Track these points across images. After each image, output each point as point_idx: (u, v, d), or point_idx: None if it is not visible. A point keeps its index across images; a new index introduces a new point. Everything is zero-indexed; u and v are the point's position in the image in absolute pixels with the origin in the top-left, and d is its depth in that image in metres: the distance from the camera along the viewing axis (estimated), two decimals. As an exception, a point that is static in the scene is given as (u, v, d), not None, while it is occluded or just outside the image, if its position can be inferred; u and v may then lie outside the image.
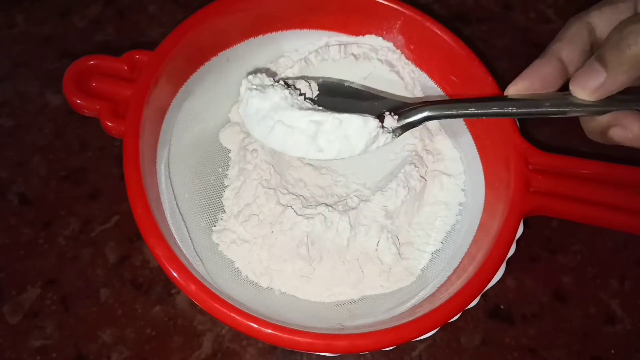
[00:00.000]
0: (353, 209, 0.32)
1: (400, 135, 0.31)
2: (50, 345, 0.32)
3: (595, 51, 0.28)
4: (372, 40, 0.38)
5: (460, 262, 0.31)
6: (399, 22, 0.36)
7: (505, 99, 0.29)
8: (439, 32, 0.35)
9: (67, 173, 0.37)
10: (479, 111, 0.29)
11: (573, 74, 0.28)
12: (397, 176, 0.33)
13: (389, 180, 0.33)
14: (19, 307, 0.33)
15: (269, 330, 0.26)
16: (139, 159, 0.28)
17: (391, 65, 0.37)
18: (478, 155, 0.34)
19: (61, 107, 0.39)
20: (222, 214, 0.33)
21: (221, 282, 0.30)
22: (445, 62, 0.36)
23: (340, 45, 0.37)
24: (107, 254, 0.35)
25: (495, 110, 0.29)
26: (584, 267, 0.37)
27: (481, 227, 0.32)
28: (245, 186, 0.33)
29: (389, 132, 0.31)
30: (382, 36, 0.38)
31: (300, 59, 0.37)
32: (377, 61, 0.37)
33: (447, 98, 0.36)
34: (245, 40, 0.36)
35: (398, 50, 0.38)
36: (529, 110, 0.28)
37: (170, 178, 0.33)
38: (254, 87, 0.30)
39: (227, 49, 0.36)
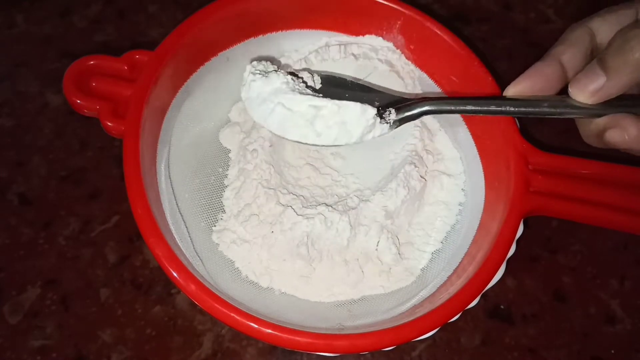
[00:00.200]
0: (353, 209, 0.32)
1: (397, 127, 0.31)
2: (50, 345, 0.32)
3: (595, 57, 0.28)
4: (372, 40, 0.38)
5: (460, 262, 0.31)
6: (399, 22, 0.36)
7: (503, 98, 0.29)
8: (439, 32, 0.35)
9: (67, 173, 0.37)
10: (476, 108, 0.29)
11: (572, 77, 0.28)
12: (397, 176, 0.33)
13: (389, 180, 0.33)
14: (19, 307, 0.33)
15: (269, 330, 0.26)
16: (139, 159, 0.28)
17: (391, 65, 0.37)
18: (478, 155, 0.34)
19: (61, 107, 0.39)
20: (222, 214, 0.33)
21: (221, 282, 0.30)
22: (445, 62, 0.36)
23: (340, 45, 0.37)
24: (107, 254, 0.35)
25: (492, 108, 0.29)
26: (584, 267, 0.37)
27: (481, 227, 0.32)
28: (245, 186, 0.33)
29: (386, 123, 0.31)
30: (382, 36, 0.38)
31: (300, 59, 0.37)
32: (377, 61, 0.37)
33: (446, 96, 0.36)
34: (245, 40, 0.36)
35: (398, 50, 0.38)
36: (526, 109, 0.29)
37: (170, 178, 0.33)
38: (257, 71, 0.31)
39: (227, 49, 0.36)
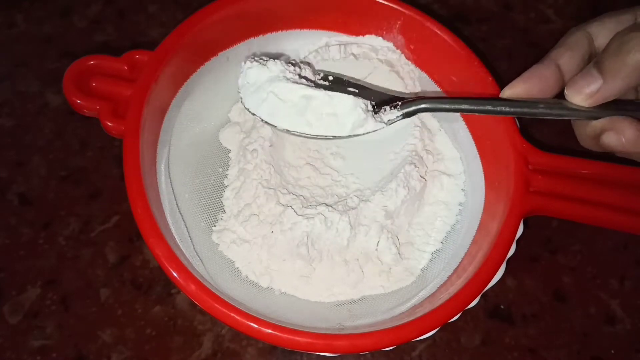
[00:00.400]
0: (353, 209, 0.32)
1: (391, 124, 0.31)
2: (50, 345, 0.32)
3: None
4: (372, 40, 0.38)
5: (460, 262, 0.31)
6: (399, 22, 0.36)
7: (499, 99, 0.29)
8: (439, 32, 0.35)
9: (67, 173, 0.37)
10: (471, 107, 0.29)
11: (569, 80, 0.28)
12: (397, 176, 0.33)
13: (389, 180, 0.33)
14: (19, 307, 0.33)
15: (269, 330, 0.26)
16: (139, 159, 0.28)
17: (391, 65, 0.37)
18: (478, 155, 0.34)
19: (61, 107, 0.39)
20: (222, 214, 0.33)
21: (221, 282, 0.30)
22: (445, 62, 0.36)
23: (340, 45, 0.37)
24: (107, 254, 0.35)
25: (488, 107, 0.29)
26: (584, 267, 0.37)
27: (481, 227, 0.32)
28: (245, 186, 0.33)
29: (381, 119, 0.31)
30: (382, 36, 0.38)
31: (300, 59, 0.37)
32: (377, 61, 0.37)
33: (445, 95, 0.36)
34: (245, 40, 0.36)
35: (398, 50, 0.38)
36: (522, 110, 0.29)
37: (170, 178, 0.33)
38: (255, 59, 0.31)
39: (227, 49, 0.36)
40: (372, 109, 0.30)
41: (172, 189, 0.32)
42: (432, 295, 0.30)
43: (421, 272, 0.33)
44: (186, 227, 0.32)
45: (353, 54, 0.37)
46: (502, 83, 0.31)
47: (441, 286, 0.30)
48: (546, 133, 0.40)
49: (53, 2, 0.44)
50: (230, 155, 0.35)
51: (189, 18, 0.33)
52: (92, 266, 0.34)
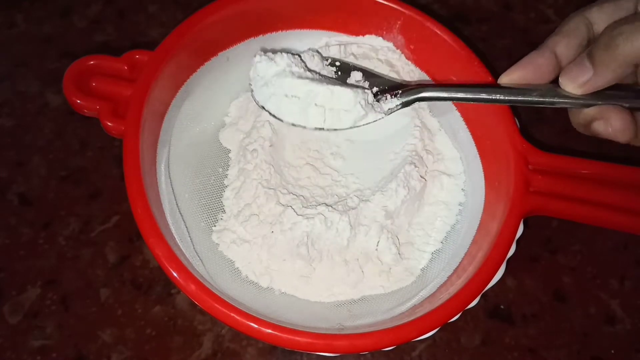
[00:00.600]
0: (353, 209, 0.32)
1: (390, 113, 0.32)
2: (50, 345, 0.32)
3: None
4: (372, 40, 0.38)
5: (460, 262, 0.31)
6: (399, 22, 0.36)
7: (495, 86, 0.30)
8: (439, 32, 0.35)
9: (67, 173, 0.37)
10: (468, 96, 0.31)
11: (564, 68, 0.29)
12: (397, 176, 0.33)
13: (389, 180, 0.33)
14: (19, 307, 0.33)
15: (269, 330, 0.26)
16: (139, 159, 0.28)
17: (391, 65, 0.37)
18: (478, 155, 0.34)
19: (61, 107, 0.39)
20: (222, 214, 0.33)
21: (221, 282, 0.30)
22: (445, 62, 0.36)
23: (340, 45, 0.37)
24: (107, 254, 0.35)
25: (483, 96, 0.30)
26: (584, 267, 0.37)
27: (481, 227, 0.32)
28: (245, 186, 0.33)
29: (380, 111, 0.32)
30: (382, 36, 0.38)
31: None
32: (377, 61, 0.37)
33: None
34: (245, 40, 0.36)
35: (398, 50, 0.38)
36: (516, 98, 0.30)
37: (170, 178, 0.33)
38: (264, 54, 0.32)
39: (227, 49, 0.36)
40: (373, 99, 0.32)
41: (172, 189, 0.32)
42: (432, 295, 0.30)
43: (421, 272, 0.33)
44: (186, 227, 0.32)
45: (353, 54, 0.37)
46: (502, 83, 0.31)
47: (441, 286, 0.30)
48: (546, 133, 0.40)
49: (53, 2, 0.44)
50: (230, 155, 0.35)
51: (189, 18, 0.33)
52: (92, 266, 0.34)
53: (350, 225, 0.32)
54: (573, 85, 0.28)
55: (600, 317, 0.35)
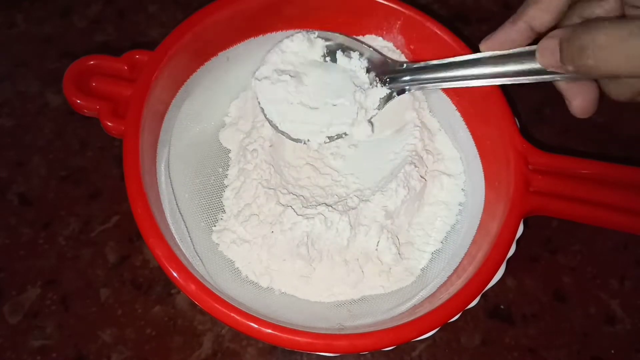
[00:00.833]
0: (353, 209, 0.32)
1: (383, 107, 0.34)
2: (50, 345, 0.32)
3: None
4: (372, 40, 0.38)
5: (460, 262, 0.31)
6: (399, 22, 0.36)
7: (476, 63, 0.31)
8: (439, 32, 0.35)
9: (67, 173, 0.37)
10: (450, 74, 0.32)
11: (541, 41, 0.27)
12: (397, 176, 0.33)
13: (389, 180, 0.33)
14: (19, 307, 0.33)
15: (269, 330, 0.26)
16: (139, 159, 0.28)
17: (391, 65, 0.37)
18: (478, 155, 0.34)
19: (61, 107, 0.39)
20: (222, 214, 0.33)
21: (221, 282, 0.30)
22: (445, 62, 0.36)
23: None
24: (107, 254, 0.35)
25: (462, 73, 0.31)
26: (584, 267, 0.37)
27: (481, 227, 0.32)
28: (245, 186, 0.33)
29: (369, 123, 0.34)
30: (382, 36, 0.38)
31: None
32: (377, 61, 0.37)
33: (443, 95, 0.36)
34: (245, 40, 0.36)
35: (398, 50, 0.38)
36: (495, 80, 0.30)
37: (170, 178, 0.32)
38: (265, 77, 0.34)
39: (227, 49, 0.36)
40: (364, 94, 0.34)
41: (172, 189, 0.32)
42: (432, 295, 0.30)
43: (421, 272, 0.33)
44: (186, 227, 0.32)
45: (353, 54, 0.37)
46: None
47: (441, 286, 0.30)
48: (546, 133, 0.40)
49: (53, 2, 0.44)
50: (230, 155, 0.35)
51: (189, 18, 0.33)
52: (92, 266, 0.34)
53: (350, 225, 0.32)
54: (547, 67, 0.27)
55: (600, 317, 0.35)
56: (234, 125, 0.36)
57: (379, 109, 0.34)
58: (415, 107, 0.36)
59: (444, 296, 0.28)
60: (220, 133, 0.36)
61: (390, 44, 0.38)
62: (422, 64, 0.33)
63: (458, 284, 0.28)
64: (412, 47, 0.37)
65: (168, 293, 0.34)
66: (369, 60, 0.35)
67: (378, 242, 0.32)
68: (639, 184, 0.31)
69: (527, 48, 0.29)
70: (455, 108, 0.36)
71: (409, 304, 0.30)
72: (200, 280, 0.27)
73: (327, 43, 0.36)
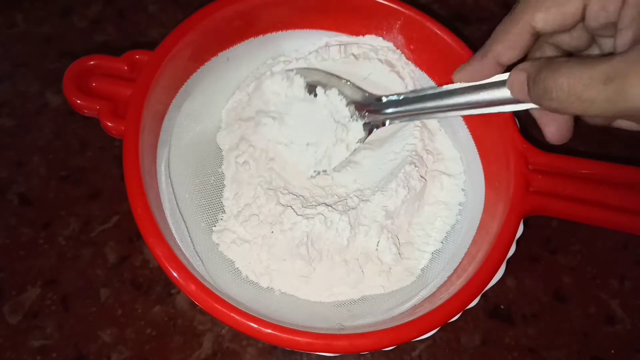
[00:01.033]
0: (353, 209, 0.32)
1: (364, 140, 0.34)
2: (50, 345, 0.32)
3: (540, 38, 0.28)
4: (372, 40, 0.38)
5: (460, 262, 0.31)
6: (399, 22, 0.36)
7: (447, 95, 0.31)
8: (439, 32, 0.35)
9: (67, 173, 0.37)
10: (430, 105, 0.31)
11: (512, 71, 0.27)
12: (397, 176, 0.33)
13: (389, 180, 0.33)
14: (19, 307, 0.33)
15: (269, 330, 0.26)
16: (139, 159, 0.28)
17: (391, 65, 0.37)
18: (478, 155, 0.34)
19: (61, 107, 0.39)
20: (222, 214, 0.33)
21: (221, 282, 0.30)
22: (445, 62, 0.36)
23: (340, 45, 0.37)
24: (107, 254, 0.35)
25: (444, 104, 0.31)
26: (584, 267, 0.37)
27: (481, 227, 0.32)
28: (245, 187, 0.33)
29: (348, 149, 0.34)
30: (382, 36, 0.38)
31: (300, 59, 0.37)
32: (377, 61, 0.37)
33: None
34: (245, 40, 0.36)
35: (398, 50, 0.38)
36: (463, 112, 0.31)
37: (170, 178, 0.32)
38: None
39: (227, 49, 0.35)
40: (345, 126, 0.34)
41: (172, 189, 0.32)
42: (432, 295, 0.30)
43: (421, 272, 0.33)
44: (186, 227, 0.32)
45: (353, 54, 0.37)
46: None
47: (441, 286, 0.30)
48: (546, 133, 0.40)
49: (53, 2, 0.44)
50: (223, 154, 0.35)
51: (189, 18, 0.33)
52: (92, 266, 0.34)
53: (350, 225, 0.32)
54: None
55: (600, 317, 0.35)
56: (229, 127, 0.36)
57: (361, 142, 0.34)
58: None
59: (444, 296, 0.28)
60: (217, 135, 0.36)
61: (390, 44, 0.38)
62: (400, 96, 0.33)
63: (458, 284, 0.28)
64: (412, 47, 0.37)
65: (168, 293, 0.34)
66: (347, 97, 0.34)
67: (378, 242, 0.32)
68: (639, 184, 0.31)
69: (500, 77, 0.29)
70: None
71: (409, 304, 0.30)
72: (200, 280, 0.27)
73: (307, 80, 0.35)
